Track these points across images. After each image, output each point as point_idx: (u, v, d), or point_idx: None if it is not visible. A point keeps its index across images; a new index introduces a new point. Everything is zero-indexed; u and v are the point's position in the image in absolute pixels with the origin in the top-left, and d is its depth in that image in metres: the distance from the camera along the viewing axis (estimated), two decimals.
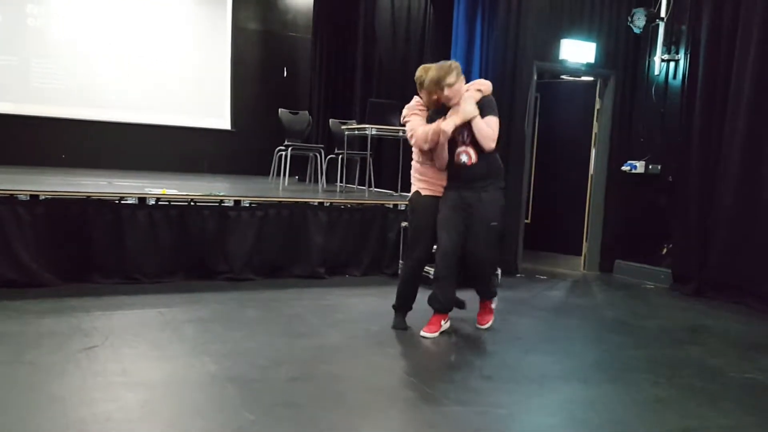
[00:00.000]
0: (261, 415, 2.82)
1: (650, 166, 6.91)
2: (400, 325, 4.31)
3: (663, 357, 4.13)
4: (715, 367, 3.96)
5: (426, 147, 4.07)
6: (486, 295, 4.46)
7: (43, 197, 5.00)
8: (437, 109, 4.14)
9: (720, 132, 6.03)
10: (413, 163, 4.31)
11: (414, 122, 4.19)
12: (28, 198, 4.95)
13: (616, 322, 5.05)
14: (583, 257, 7.46)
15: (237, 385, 3.16)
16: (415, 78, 4.22)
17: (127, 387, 3.05)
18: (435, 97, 4.12)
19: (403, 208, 6.33)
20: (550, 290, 6.18)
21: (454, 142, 4.06)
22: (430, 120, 4.13)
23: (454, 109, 4.03)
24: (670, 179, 6.73)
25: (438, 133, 3.98)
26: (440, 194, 4.18)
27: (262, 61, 11.30)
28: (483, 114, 4.04)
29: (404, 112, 4.34)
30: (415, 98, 4.31)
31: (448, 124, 3.96)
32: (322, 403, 3.02)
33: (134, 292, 4.95)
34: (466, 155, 4.06)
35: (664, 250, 6.73)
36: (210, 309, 4.61)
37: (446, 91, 4.00)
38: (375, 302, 5.09)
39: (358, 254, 6.10)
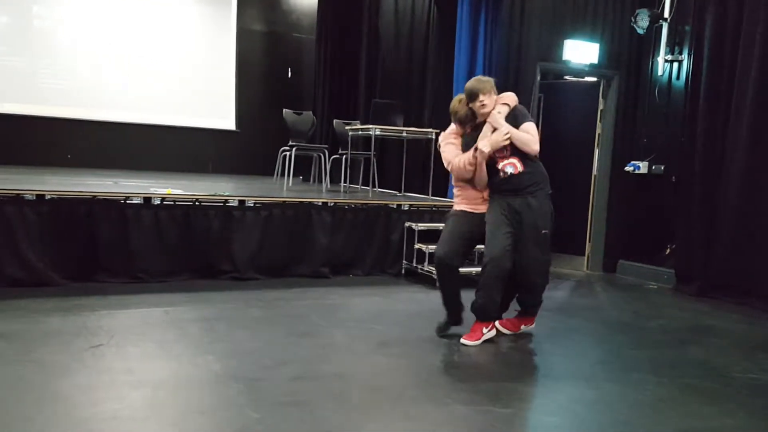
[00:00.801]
0: (265, 413, 2.84)
1: (653, 167, 6.92)
2: (440, 330, 4.21)
3: (666, 357, 4.13)
4: (718, 367, 3.96)
5: (467, 176, 4.09)
6: (530, 307, 4.33)
7: (50, 197, 5.03)
8: (473, 135, 4.11)
9: (724, 132, 6.03)
10: (453, 183, 4.35)
11: (449, 153, 4.18)
12: (35, 198, 4.97)
13: (620, 322, 5.06)
14: (586, 257, 7.46)
15: (241, 384, 3.18)
16: (450, 110, 4.21)
17: (133, 386, 3.07)
18: (468, 127, 4.15)
19: (406, 208, 6.34)
20: (554, 290, 6.17)
21: (493, 158, 4.03)
22: (465, 146, 4.14)
23: (485, 131, 4.02)
24: (674, 179, 6.74)
25: (474, 160, 4.00)
26: (480, 210, 4.16)
27: (266, 61, 11.33)
28: (518, 124, 4.03)
29: (440, 139, 4.35)
30: (451, 126, 4.30)
31: (485, 145, 3.95)
32: (326, 403, 3.03)
33: (140, 291, 4.98)
34: (512, 166, 4.01)
35: (668, 251, 6.73)
36: (215, 308, 4.63)
37: (480, 105, 4.00)
38: (378, 302, 5.11)
39: (361, 254, 6.12)
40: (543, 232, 4.08)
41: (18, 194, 4.94)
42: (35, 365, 3.26)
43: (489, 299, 4.04)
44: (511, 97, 4.19)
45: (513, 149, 4.02)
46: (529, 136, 4.02)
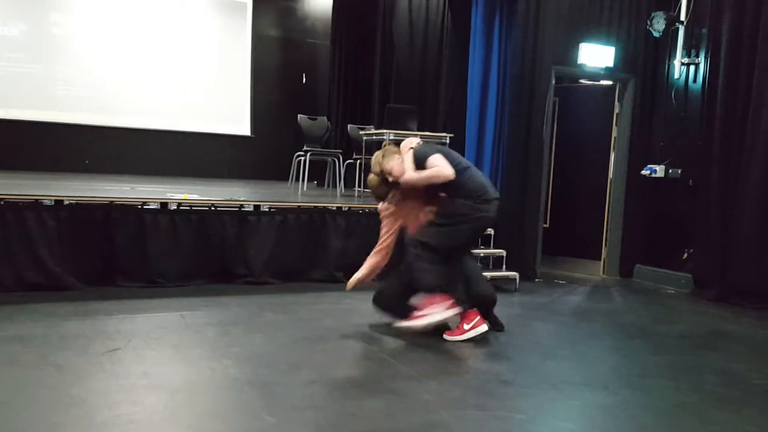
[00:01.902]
0: (281, 418, 2.84)
1: (670, 170, 6.86)
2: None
3: (684, 363, 4.09)
4: (737, 373, 3.91)
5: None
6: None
7: (68, 202, 5.09)
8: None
9: (741, 135, 5.97)
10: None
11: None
12: (53, 203, 5.04)
13: (637, 327, 5.02)
14: (602, 262, 7.41)
15: (257, 388, 3.19)
16: (371, 191, 4.59)
17: (149, 390, 3.09)
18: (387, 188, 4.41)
19: None
20: (569, 295, 6.15)
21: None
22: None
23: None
24: (691, 183, 6.67)
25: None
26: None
27: (281, 67, 11.39)
28: (421, 164, 4.17)
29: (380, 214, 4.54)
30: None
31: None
32: (341, 407, 3.03)
33: (156, 295, 5.01)
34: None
35: (685, 255, 6.67)
36: (230, 313, 4.65)
37: (391, 176, 4.28)
38: None
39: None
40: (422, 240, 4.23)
41: (37, 200, 5.01)
42: (53, 369, 3.29)
43: None
44: (411, 141, 4.40)
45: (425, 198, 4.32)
46: (428, 172, 4.16)
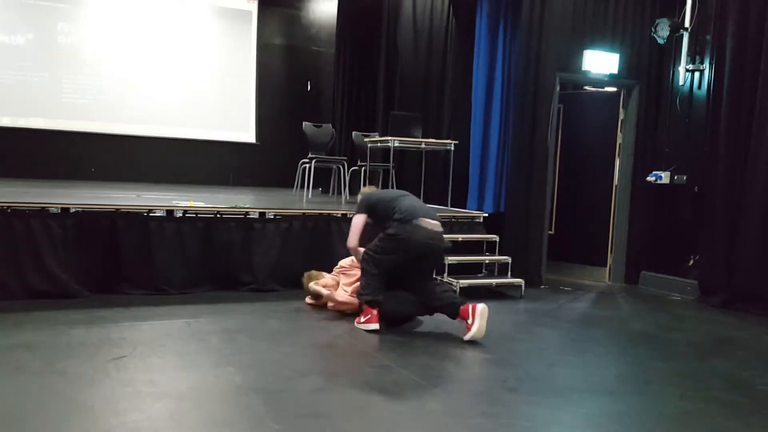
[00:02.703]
0: (286, 425, 2.84)
1: (676, 177, 6.85)
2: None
3: (690, 369, 4.08)
4: (743, 379, 3.90)
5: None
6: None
7: (74, 210, 5.11)
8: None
9: (747, 141, 5.96)
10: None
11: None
12: (59, 211, 5.06)
13: (643, 334, 5.00)
14: (608, 268, 7.39)
15: (262, 395, 3.19)
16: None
17: (155, 397, 3.10)
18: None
19: None
20: (575, 302, 6.14)
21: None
22: None
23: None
24: (696, 190, 6.66)
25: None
26: None
27: (286, 75, 11.44)
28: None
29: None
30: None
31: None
32: (346, 415, 3.03)
33: (162, 303, 5.03)
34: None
35: (691, 262, 6.65)
36: (235, 320, 4.66)
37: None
38: None
39: None
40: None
41: (43, 207, 5.03)
42: (59, 376, 3.30)
43: None
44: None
45: None
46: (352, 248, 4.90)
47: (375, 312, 4.54)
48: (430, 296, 4.62)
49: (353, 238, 4.82)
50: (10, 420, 2.76)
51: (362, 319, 4.59)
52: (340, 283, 5.14)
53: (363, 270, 4.71)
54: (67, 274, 4.96)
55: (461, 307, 4.40)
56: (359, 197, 5.06)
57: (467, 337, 4.31)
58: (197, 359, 3.73)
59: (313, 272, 5.31)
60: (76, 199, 5.66)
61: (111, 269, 5.18)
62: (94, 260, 5.11)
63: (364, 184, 7.48)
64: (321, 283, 5.16)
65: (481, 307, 4.34)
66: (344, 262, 5.24)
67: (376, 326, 4.51)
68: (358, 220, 4.83)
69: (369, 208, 4.84)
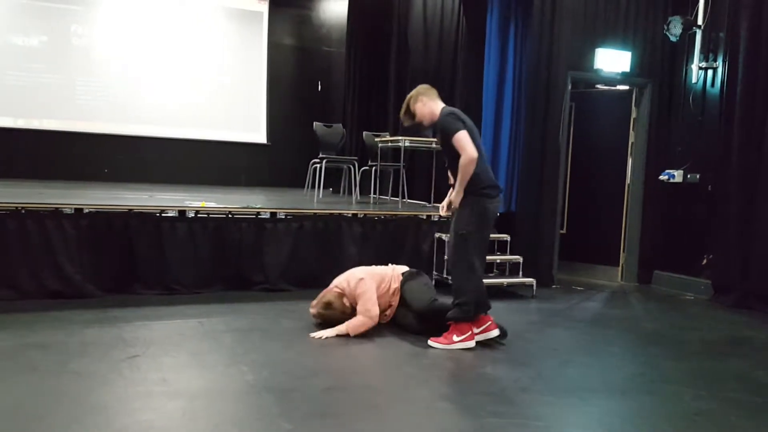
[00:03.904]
0: (298, 424, 2.85)
1: (689, 176, 6.80)
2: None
3: (703, 369, 4.05)
4: (757, 379, 3.87)
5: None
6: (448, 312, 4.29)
7: (87, 211, 5.15)
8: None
9: (760, 140, 5.91)
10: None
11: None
12: (73, 211, 5.10)
13: (655, 333, 4.97)
14: (620, 268, 7.35)
15: (274, 394, 3.20)
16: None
17: (168, 396, 3.11)
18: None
19: (436, 219, 6.34)
20: (587, 301, 6.11)
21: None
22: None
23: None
24: (710, 188, 6.61)
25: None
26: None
27: (297, 75, 11.47)
28: (448, 137, 4.09)
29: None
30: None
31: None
32: (358, 414, 3.04)
33: (174, 302, 5.06)
34: (450, 179, 4.29)
35: (704, 261, 6.60)
36: (247, 319, 4.68)
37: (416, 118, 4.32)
38: None
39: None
40: (459, 233, 4.14)
41: (57, 208, 5.08)
42: (73, 376, 3.33)
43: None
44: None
45: (448, 163, 4.25)
46: (462, 175, 4.08)
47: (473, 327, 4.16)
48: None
49: (472, 148, 4.02)
50: (24, 419, 2.79)
51: (456, 338, 4.12)
52: (346, 304, 4.46)
53: (460, 271, 4.15)
54: (80, 274, 5.01)
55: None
56: (423, 102, 4.26)
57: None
58: (210, 358, 3.74)
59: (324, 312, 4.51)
60: (90, 199, 5.71)
61: (124, 269, 5.21)
62: (108, 260, 5.15)
63: (374, 185, 7.51)
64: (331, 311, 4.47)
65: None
66: (339, 282, 4.56)
67: (473, 344, 4.15)
68: (466, 135, 4.04)
69: (458, 127, 4.07)
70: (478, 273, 4.18)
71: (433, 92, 4.31)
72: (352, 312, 4.38)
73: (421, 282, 4.64)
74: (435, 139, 7.25)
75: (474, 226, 4.10)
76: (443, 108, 4.27)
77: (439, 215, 4.72)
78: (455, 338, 4.14)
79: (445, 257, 4.38)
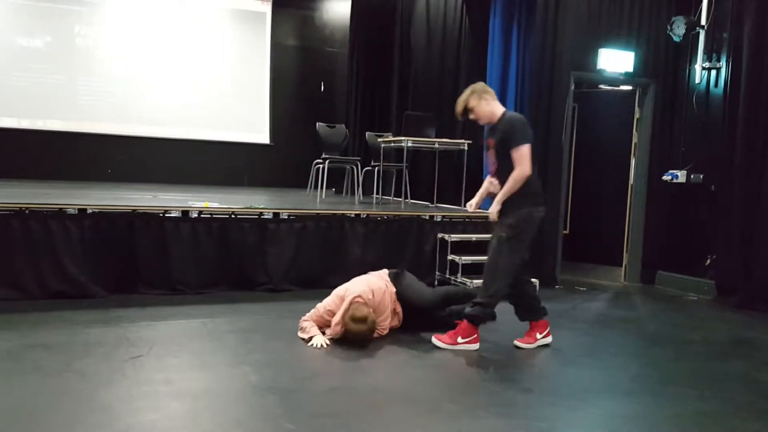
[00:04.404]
0: (301, 425, 2.85)
1: (692, 176, 6.79)
2: None
3: (707, 370, 4.04)
4: (761, 380, 3.86)
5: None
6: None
7: (91, 211, 5.16)
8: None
9: (764, 140, 5.90)
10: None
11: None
12: (76, 212, 5.11)
13: (659, 334, 4.96)
14: (623, 268, 7.35)
15: (277, 395, 3.21)
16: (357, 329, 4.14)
17: (172, 396, 3.12)
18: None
19: (439, 220, 6.34)
20: (590, 302, 6.10)
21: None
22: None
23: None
24: (713, 189, 6.60)
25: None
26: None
27: (300, 76, 11.48)
28: (511, 143, 4.05)
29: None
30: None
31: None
32: (361, 415, 3.04)
33: (178, 302, 5.06)
34: (492, 185, 4.26)
35: (708, 261, 6.59)
36: (251, 320, 4.68)
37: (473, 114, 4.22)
38: None
39: (394, 265, 6.07)
40: (502, 237, 4.11)
41: (61, 208, 5.09)
42: (77, 376, 3.34)
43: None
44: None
45: (497, 168, 4.20)
46: (511, 184, 4.07)
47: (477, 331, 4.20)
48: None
49: (528, 166, 4.04)
50: (28, 419, 2.79)
51: (461, 339, 4.15)
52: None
53: (495, 274, 4.11)
54: (84, 274, 5.02)
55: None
56: (486, 101, 4.16)
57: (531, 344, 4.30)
58: (213, 359, 3.75)
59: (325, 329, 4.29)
60: (93, 200, 5.72)
61: (127, 269, 5.23)
62: (111, 261, 5.16)
63: (377, 185, 7.51)
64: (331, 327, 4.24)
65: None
66: (362, 291, 4.27)
67: (477, 346, 4.18)
68: (529, 151, 4.02)
69: (527, 138, 4.04)
70: (509, 280, 4.14)
71: (493, 92, 4.28)
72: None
73: (411, 279, 4.64)
74: (438, 139, 7.26)
75: (518, 232, 4.09)
76: (513, 113, 4.28)
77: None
78: (460, 339, 4.15)
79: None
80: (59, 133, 9.77)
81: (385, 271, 4.62)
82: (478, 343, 4.19)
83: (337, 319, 4.11)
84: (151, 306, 4.90)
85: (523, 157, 4.03)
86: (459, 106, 4.23)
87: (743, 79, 6.09)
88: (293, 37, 11.47)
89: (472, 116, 4.21)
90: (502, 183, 4.12)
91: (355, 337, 4.06)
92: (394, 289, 4.47)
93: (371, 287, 4.31)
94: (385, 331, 4.34)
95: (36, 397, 3.04)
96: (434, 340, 4.21)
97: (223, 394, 3.24)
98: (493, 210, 4.12)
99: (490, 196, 4.30)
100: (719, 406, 3.37)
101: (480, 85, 4.25)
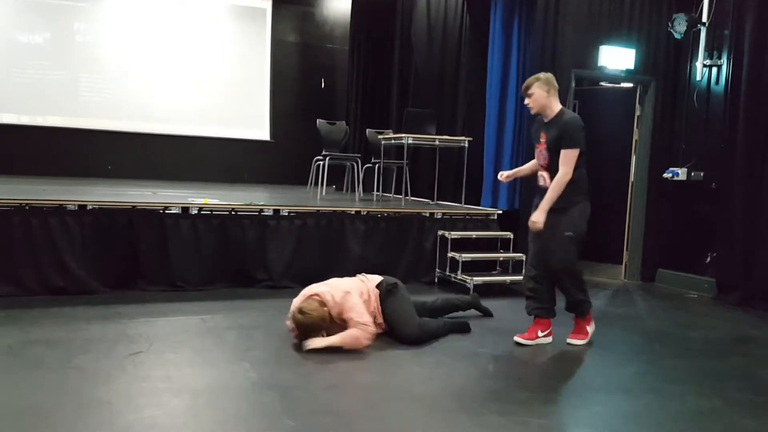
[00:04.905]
0: (301, 422, 2.85)
1: (693, 173, 6.78)
2: None
3: (707, 368, 4.04)
4: (761, 378, 3.86)
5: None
6: (572, 311, 4.48)
7: (91, 207, 5.16)
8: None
9: (765, 137, 5.89)
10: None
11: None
12: (77, 208, 5.11)
13: (659, 332, 4.97)
14: (623, 266, 7.34)
15: (277, 392, 3.21)
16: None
17: (172, 392, 3.12)
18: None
19: (439, 217, 6.34)
20: (591, 300, 6.08)
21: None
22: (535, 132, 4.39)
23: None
24: (714, 186, 6.59)
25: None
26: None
27: (300, 72, 11.46)
28: (565, 144, 4.12)
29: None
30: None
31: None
32: (360, 412, 3.04)
33: (178, 299, 5.06)
34: (543, 179, 4.30)
35: (708, 259, 6.59)
36: (251, 316, 4.68)
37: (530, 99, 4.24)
38: None
39: (395, 263, 6.12)
40: (567, 235, 4.18)
41: (61, 205, 5.08)
42: (77, 372, 3.34)
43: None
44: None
45: (548, 163, 4.22)
46: (555, 188, 4.15)
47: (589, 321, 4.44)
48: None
49: (572, 171, 4.12)
50: (29, 415, 2.79)
51: (589, 328, 4.45)
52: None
53: (571, 271, 4.28)
54: (84, 270, 5.01)
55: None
56: (548, 92, 4.18)
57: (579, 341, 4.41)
58: (213, 355, 3.75)
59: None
60: (93, 196, 5.72)
61: (127, 266, 5.22)
62: (111, 257, 5.16)
63: (378, 182, 7.50)
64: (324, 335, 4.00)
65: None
66: (320, 291, 4.03)
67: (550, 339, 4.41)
68: (576, 156, 4.11)
69: (581, 138, 4.14)
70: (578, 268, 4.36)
71: (557, 88, 4.29)
72: (332, 321, 3.95)
73: (402, 300, 4.28)
74: (438, 136, 7.25)
75: (580, 228, 4.24)
76: (573, 114, 4.32)
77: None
78: (589, 329, 4.43)
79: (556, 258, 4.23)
80: (59, 130, 9.74)
81: (377, 279, 4.32)
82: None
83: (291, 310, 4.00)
84: (151, 302, 4.90)
85: (570, 160, 4.11)
86: (524, 85, 4.29)
87: (744, 77, 6.08)
88: (294, 34, 11.45)
89: (527, 101, 4.26)
90: (552, 177, 4.20)
91: (301, 329, 3.88)
92: (377, 295, 4.21)
93: (338, 290, 4.01)
94: (371, 331, 3.99)
95: (37, 393, 3.04)
96: (569, 340, 4.39)
97: (223, 390, 3.24)
98: (539, 219, 4.14)
99: (523, 178, 4.54)
100: (719, 404, 3.37)
101: (550, 76, 4.30)
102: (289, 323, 4.03)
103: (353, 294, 4.03)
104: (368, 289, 4.22)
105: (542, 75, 4.25)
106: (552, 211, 4.16)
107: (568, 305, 4.45)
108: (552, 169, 4.20)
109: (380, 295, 4.22)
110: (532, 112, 4.30)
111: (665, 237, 7.08)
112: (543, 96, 4.18)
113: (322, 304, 3.94)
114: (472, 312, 4.96)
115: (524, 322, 4.60)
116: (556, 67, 6.64)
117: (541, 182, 4.32)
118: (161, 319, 4.47)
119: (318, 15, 11.58)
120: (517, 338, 4.30)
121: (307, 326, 3.89)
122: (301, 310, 3.89)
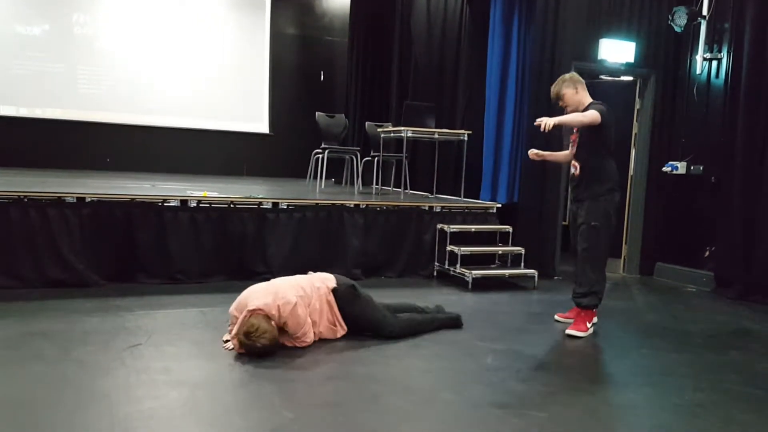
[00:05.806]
0: (300, 414, 2.86)
1: (692, 167, 6.78)
2: None
3: (705, 361, 4.05)
4: (760, 372, 3.87)
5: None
6: (578, 301, 4.55)
7: (90, 200, 5.15)
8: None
9: (765, 131, 5.89)
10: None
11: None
12: (75, 200, 5.10)
13: (657, 325, 4.97)
14: (622, 260, 7.35)
15: (276, 384, 3.21)
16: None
17: (170, 385, 3.12)
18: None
19: (438, 210, 6.34)
20: (603, 297, 6.09)
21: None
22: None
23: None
24: (713, 180, 6.59)
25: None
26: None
27: (299, 65, 11.43)
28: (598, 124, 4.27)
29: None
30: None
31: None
32: (359, 404, 3.04)
33: (177, 292, 5.07)
34: (574, 167, 4.51)
35: (707, 253, 6.59)
36: None
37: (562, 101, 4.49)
38: None
39: (394, 256, 6.13)
40: (593, 225, 4.36)
41: (59, 197, 5.08)
42: (75, 364, 3.34)
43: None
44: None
45: (578, 149, 4.44)
46: (578, 115, 4.27)
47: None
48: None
49: (598, 118, 4.22)
50: (27, 407, 2.80)
51: (589, 324, 4.50)
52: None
53: (594, 261, 4.43)
54: (82, 263, 5.01)
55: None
56: (577, 90, 4.42)
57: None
58: (212, 348, 3.75)
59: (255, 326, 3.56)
60: (92, 188, 5.71)
61: (126, 258, 5.22)
62: (110, 249, 5.16)
63: (377, 175, 7.49)
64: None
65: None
66: (265, 304, 3.64)
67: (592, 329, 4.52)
68: (597, 116, 4.21)
69: (610, 120, 4.30)
70: (605, 263, 4.56)
71: (583, 82, 4.49)
72: (279, 331, 3.66)
73: (365, 304, 4.08)
74: (438, 130, 7.24)
75: (607, 219, 4.38)
76: (599, 103, 4.41)
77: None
78: (588, 325, 4.47)
79: (580, 247, 4.44)
80: (58, 122, 9.74)
81: (330, 281, 4.03)
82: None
83: (233, 332, 3.67)
84: (150, 295, 4.90)
85: (596, 114, 4.21)
86: (553, 92, 4.51)
87: (744, 70, 6.07)
88: (293, 26, 11.42)
89: (561, 103, 4.43)
90: (582, 166, 4.41)
91: (253, 353, 3.53)
92: (332, 299, 3.98)
93: (283, 301, 3.66)
94: (308, 342, 3.79)
95: (35, 385, 3.04)
96: (569, 331, 4.43)
97: (222, 383, 3.24)
98: (550, 121, 4.11)
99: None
100: (717, 397, 3.37)
101: (572, 73, 4.51)
102: (230, 344, 3.67)
103: (300, 306, 3.71)
104: (321, 295, 3.92)
105: (566, 75, 4.55)
106: (577, 201, 4.47)
107: (577, 295, 4.52)
108: (580, 157, 4.42)
109: (338, 302, 3.98)
110: (570, 111, 4.43)
111: (664, 231, 7.08)
112: (573, 94, 4.42)
113: (268, 318, 3.59)
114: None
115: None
116: (556, 59, 6.63)
117: (573, 171, 4.52)
118: (160, 312, 4.47)
119: (317, 7, 11.55)
120: (569, 330, 4.44)
121: (260, 353, 3.52)
122: (248, 335, 3.49)
